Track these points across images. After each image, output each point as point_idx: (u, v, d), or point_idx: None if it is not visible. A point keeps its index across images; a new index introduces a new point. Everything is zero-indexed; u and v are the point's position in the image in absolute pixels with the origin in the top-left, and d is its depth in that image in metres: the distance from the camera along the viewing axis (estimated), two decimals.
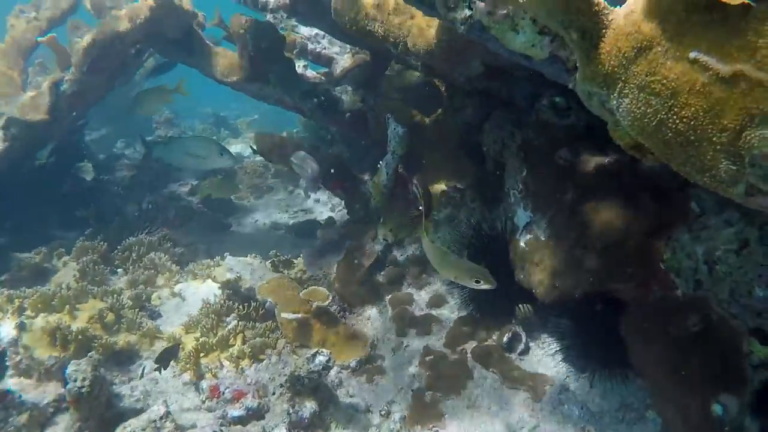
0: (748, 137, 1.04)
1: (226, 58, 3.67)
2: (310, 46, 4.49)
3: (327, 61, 4.39)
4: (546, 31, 1.50)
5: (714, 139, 1.09)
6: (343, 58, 4.47)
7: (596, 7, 1.17)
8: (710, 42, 1.07)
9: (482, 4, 1.52)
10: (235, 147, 6.58)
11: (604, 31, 1.19)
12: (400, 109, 3.56)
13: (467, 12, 1.57)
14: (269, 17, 3.44)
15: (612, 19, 1.18)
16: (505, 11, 1.50)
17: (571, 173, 2.39)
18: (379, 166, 3.35)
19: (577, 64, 1.29)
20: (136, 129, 7.20)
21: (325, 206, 5.12)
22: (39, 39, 3.91)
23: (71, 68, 3.72)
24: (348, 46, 4.50)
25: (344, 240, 3.33)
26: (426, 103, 4.08)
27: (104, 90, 3.99)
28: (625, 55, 1.16)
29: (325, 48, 4.51)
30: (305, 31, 4.75)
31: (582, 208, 2.34)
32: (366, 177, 3.35)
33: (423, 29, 2.95)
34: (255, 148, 3.49)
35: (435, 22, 2.96)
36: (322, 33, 4.73)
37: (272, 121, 7.77)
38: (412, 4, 1.81)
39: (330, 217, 4.42)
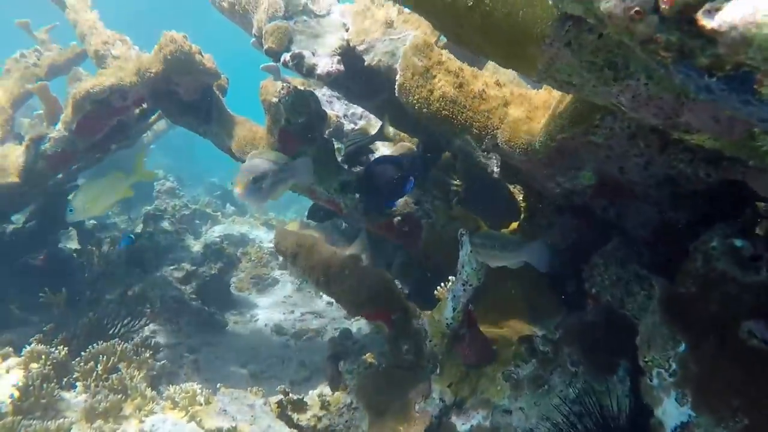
0: None
1: (248, 131, 2.78)
2: (347, 127, 3.65)
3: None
4: None
5: None
6: (384, 144, 3.62)
7: None
8: None
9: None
10: (240, 227, 5.61)
11: None
12: (464, 217, 2.65)
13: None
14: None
15: None
16: None
17: None
18: (436, 292, 2.38)
19: None
20: (136, 194, 6.26)
21: (341, 310, 4.09)
22: (29, 86, 3.01)
23: (59, 124, 2.81)
24: (391, 130, 3.66)
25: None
26: (490, 210, 3.19)
27: (96, 153, 3.06)
28: None
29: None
30: (339, 108, 3.94)
31: None
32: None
33: (521, 120, 2.08)
34: (275, 246, 2.53)
35: (539, 112, 2.09)
36: (359, 111, 3.92)
37: (285, 199, 6.87)
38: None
39: (345, 332, 3.39)
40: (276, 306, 4.34)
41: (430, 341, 2.19)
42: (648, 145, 1.74)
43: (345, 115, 3.72)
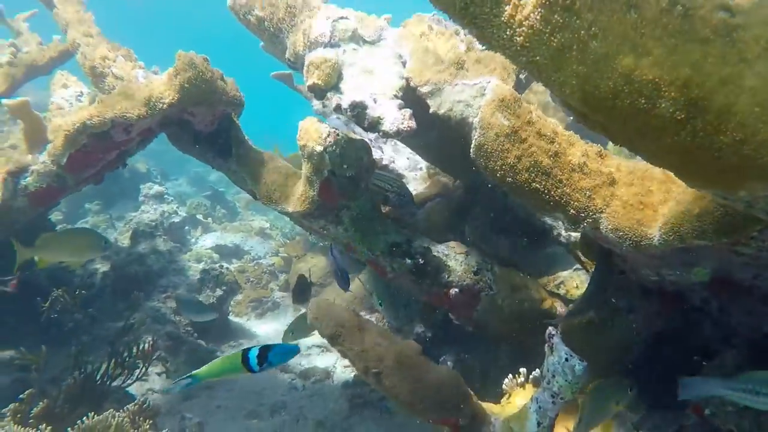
0: None
1: (277, 174, 2.31)
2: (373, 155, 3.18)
3: None
4: None
5: None
6: (416, 177, 3.19)
7: None
8: None
9: None
10: (234, 236, 5.08)
11: None
12: (527, 287, 2.26)
13: None
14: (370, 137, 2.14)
15: None
16: None
17: None
18: (504, 387, 2.00)
19: None
20: (117, 190, 5.67)
21: None
22: (4, 101, 2.44)
23: (44, 154, 2.28)
24: (422, 162, 3.23)
25: None
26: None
27: (88, 183, 2.54)
28: None
29: (391, 160, 3.22)
30: (361, 130, 3.46)
31: None
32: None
33: (632, 207, 1.69)
34: (311, 322, 2.08)
35: (654, 198, 1.70)
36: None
37: None
38: None
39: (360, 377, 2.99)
40: (277, 335, 3.90)
41: None
42: None
43: (369, 140, 3.26)
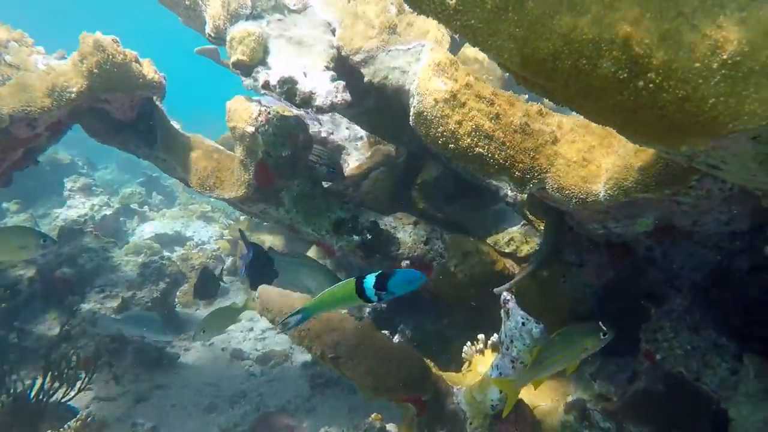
0: None
1: (209, 158, 2.18)
2: (311, 129, 3.08)
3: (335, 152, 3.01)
4: None
5: None
6: (357, 147, 3.11)
7: None
8: None
9: None
10: (173, 223, 4.85)
11: None
12: (480, 252, 2.25)
13: None
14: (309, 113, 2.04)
15: None
16: None
17: None
18: (464, 354, 2.01)
19: None
20: (39, 185, 5.29)
21: None
22: None
23: None
24: (361, 131, 3.15)
25: None
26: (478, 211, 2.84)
27: None
28: None
29: (330, 132, 3.12)
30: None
31: None
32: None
33: (576, 164, 1.69)
34: (260, 313, 2.00)
35: (597, 152, 1.71)
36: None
37: None
38: None
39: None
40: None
41: (470, 424, 1.84)
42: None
43: (306, 113, 3.14)
